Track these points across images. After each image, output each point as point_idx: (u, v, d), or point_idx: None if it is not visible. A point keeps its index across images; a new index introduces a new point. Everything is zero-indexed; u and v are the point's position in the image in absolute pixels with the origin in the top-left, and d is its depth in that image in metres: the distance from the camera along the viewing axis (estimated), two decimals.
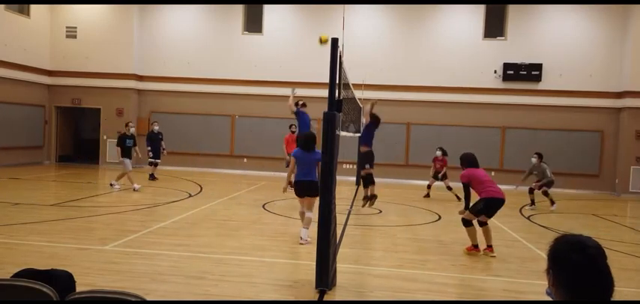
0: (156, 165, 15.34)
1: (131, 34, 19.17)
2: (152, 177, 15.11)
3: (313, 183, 7.57)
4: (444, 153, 14.30)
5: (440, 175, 14.10)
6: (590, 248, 1.78)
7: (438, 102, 18.23)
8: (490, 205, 7.38)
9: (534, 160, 12.90)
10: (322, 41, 6.30)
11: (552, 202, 12.68)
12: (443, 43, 18.24)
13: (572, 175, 17.42)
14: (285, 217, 9.98)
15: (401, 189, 15.98)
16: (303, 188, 7.70)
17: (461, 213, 7.67)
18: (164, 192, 12.82)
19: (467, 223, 7.52)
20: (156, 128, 15.29)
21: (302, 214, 7.92)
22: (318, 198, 7.23)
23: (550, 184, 12.69)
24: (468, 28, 18.17)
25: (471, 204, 7.50)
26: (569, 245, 1.81)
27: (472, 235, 7.48)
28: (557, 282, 1.82)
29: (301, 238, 7.65)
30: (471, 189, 7.49)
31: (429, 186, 14.34)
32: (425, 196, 14.03)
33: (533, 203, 12.76)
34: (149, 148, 15.16)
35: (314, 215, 6.95)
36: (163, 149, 15.45)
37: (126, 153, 12.97)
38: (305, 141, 7.74)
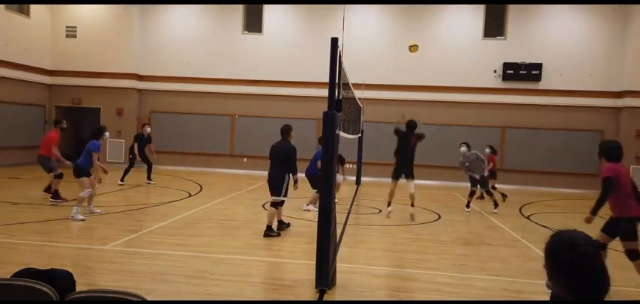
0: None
1: (131, 33, 19.17)
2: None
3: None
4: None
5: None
6: (582, 246, 1.76)
7: (438, 102, 18.22)
8: None
9: None
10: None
11: None
12: (443, 42, 18.23)
13: (572, 175, 17.43)
14: (285, 217, 9.97)
15: (401, 188, 15.92)
16: None
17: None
18: (164, 192, 12.81)
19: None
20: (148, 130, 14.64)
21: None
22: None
23: None
24: (467, 27, 18.15)
25: None
26: (561, 242, 1.80)
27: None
28: (552, 278, 1.83)
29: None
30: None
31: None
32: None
33: None
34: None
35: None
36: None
37: None
38: None
